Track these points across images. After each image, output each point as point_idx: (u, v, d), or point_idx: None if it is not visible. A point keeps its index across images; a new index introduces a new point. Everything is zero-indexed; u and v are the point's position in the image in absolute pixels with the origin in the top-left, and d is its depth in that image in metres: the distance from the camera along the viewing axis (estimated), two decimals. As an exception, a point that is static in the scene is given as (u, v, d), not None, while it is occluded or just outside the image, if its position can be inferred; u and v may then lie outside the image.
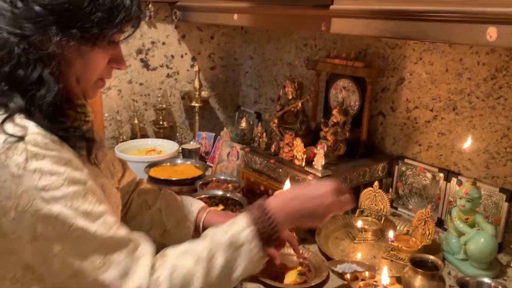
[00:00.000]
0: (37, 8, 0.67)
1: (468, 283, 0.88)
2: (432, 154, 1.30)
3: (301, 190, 0.85)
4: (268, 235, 0.76)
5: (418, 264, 0.95)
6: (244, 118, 1.88)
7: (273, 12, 1.27)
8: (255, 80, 1.98)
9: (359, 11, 1.02)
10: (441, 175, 1.26)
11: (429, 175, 1.30)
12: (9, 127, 0.65)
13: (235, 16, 1.43)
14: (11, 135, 0.64)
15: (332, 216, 0.85)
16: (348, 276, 0.89)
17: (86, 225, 0.66)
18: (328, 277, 1.01)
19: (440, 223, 1.26)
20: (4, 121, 0.65)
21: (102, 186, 0.80)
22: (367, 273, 0.89)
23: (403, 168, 1.37)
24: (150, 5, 1.68)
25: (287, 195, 0.84)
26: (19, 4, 0.68)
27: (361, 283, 0.86)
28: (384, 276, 0.85)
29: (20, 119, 0.66)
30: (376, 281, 0.86)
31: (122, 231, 0.71)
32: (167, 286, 0.70)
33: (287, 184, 1.10)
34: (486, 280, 0.89)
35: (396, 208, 1.38)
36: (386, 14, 0.96)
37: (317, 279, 1.00)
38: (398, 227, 1.24)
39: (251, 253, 0.75)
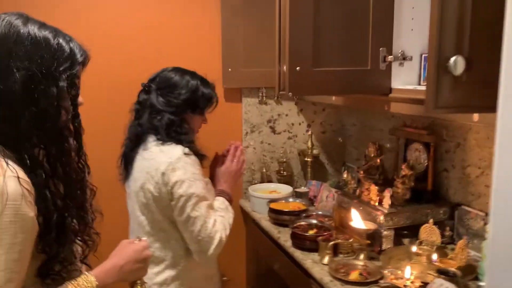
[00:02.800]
0: (181, 102, 1.59)
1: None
2: (481, 201, 1.66)
3: (225, 179, 1.76)
4: (229, 198, 1.71)
5: (443, 273, 1.36)
6: (346, 171, 2.41)
7: (355, 97, 1.84)
8: (356, 141, 2.50)
9: (406, 98, 1.53)
10: (488, 218, 1.62)
11: (479, 219, 1.66)
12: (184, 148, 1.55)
13: (333, 98, 2.03)
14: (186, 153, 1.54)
15: None
16: (387, 272, 1.35)
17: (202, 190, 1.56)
18: (381, 278, 1.47)
19: (488, 257, 1.59)
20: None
21: (207, 183, 1.67)
22: (399, 272, 1.34)
23: (461, 213, 1.74)
24: (263, 88, 2.39)
25: (227, 184, 1.75)
26: (174, 101, 1.59)
27: (392, 276, 1.31)
28: (407, 272, 1.30)
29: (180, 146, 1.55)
30: (403, 277, 1.31)
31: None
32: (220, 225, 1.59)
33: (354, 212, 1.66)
34: (482, 283, 1.26)
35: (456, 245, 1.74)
36: (421, 102, 1.45)
37: (372, 279, 1.47)
38: (449, 255, 1.61)
39: (229, 207, 1.67)
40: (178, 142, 1.56)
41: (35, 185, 0.91)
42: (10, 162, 0.88)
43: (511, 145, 0.67)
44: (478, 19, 0.80)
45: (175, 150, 1.54)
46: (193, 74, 1.66)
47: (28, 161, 0.91)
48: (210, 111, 1.71)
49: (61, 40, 0.97)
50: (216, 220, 1.56)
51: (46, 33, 0.95)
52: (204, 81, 1.68)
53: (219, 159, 1.81)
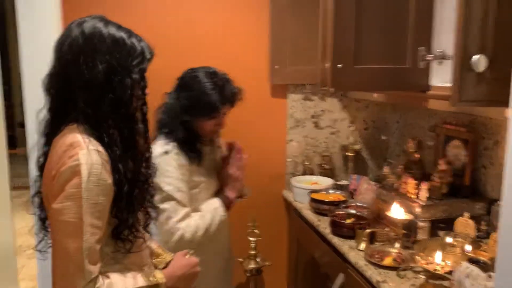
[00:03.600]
0: (181, 104, 1.69)
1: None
2: (518, 198, 1.70)
3: (225, 182, 1.83)
4: (227, 201, 1.79)
5: (474, 262, 1.43)
6: (387, 167, 2.48)
7: (396, 94, 1.92)
8: (399, 138, 2.57)
9: (443, 95, 1.60)
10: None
11: (516, 214, 1.70)
12: (168, 146, 1.68)
13: (375, 95, 2.12)
14: (165, 151, 1.65)
15: None
16: (418, 257, 1.44)
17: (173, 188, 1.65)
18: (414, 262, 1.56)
19: (523, 252, 1.63)
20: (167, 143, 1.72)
21: (201, 183, 1.76)
22: (430, 258, 1.43)
23: (498, 209, 1.78)
24: (306, 85, 2.50)
25: (232, 190, 1.81)
26: (175, 102, 1.71)
27: (423, 261, 1.40)
28: (438, 257, 1.38)
29: (172, 144, 1.68)
30: (433, 262, 1.39)
31: (184, 200, 1.67)
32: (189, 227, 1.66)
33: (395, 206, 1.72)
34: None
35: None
36: (457, 98, 1.53)
37: (405, 265, 1.56)
38: (483, 247, 1.67)
39: (220, 209, 1.74)
40: (166, 138, 1.69)
41: (110, 159, 1.09)
42: (91, 139, 1.07)
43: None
44: (502, 20, 0.88)
45: (158, 147, 1.66)
46: (208, 76, 1.69)
47: (106, 139, 1.09)
48: (219, 116, 1.73)
49: (134, 40, 1.14)
50: (188, 219, 1.64)
51: (122, 34, 1.13)
52: (217, 87, 1.68)
53: (224, 160, 1.89)
